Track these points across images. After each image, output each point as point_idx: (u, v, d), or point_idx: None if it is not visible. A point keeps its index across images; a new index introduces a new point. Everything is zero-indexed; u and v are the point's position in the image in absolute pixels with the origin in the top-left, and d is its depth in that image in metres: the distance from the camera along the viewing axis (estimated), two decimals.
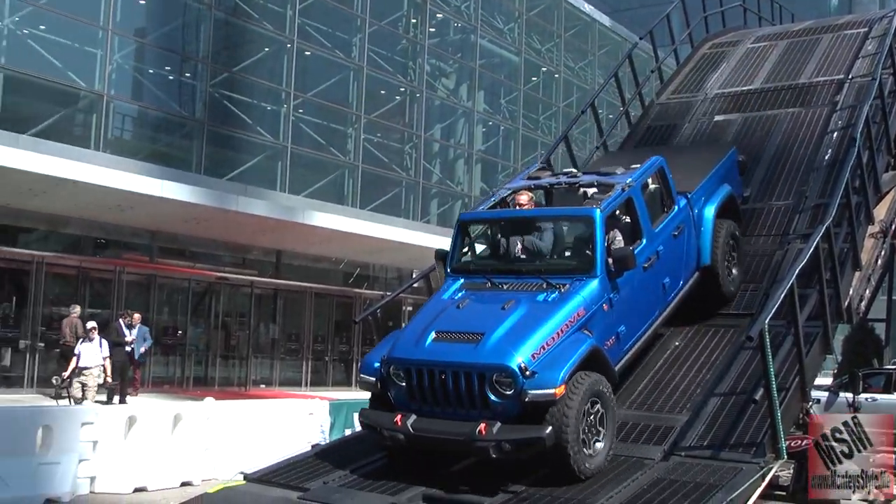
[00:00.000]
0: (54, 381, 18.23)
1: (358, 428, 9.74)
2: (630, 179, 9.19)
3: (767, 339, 7.85)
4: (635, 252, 8.59)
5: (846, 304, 10.71)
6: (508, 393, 7.44)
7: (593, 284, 8.32)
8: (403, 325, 11.26)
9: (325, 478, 8.38)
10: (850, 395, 15.78)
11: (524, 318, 7.91)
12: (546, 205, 9.97)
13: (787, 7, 23.00)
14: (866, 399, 16.14)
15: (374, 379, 8.21)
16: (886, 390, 17.58)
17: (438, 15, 34.46)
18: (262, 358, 27.90)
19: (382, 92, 32.27)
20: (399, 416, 7.79)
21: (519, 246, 9.03)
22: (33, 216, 21.88)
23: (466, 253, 9.42)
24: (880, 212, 12.64)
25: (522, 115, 37.99)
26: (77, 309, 19.66)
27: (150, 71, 26.26)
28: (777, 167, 13.12)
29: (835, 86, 14.88)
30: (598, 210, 8.55)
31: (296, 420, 13.99)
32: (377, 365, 8.18)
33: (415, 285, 12.64)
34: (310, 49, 29.16)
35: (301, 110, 28.97)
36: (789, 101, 14.91)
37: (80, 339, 16.96)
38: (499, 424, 7.38)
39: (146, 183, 20.54)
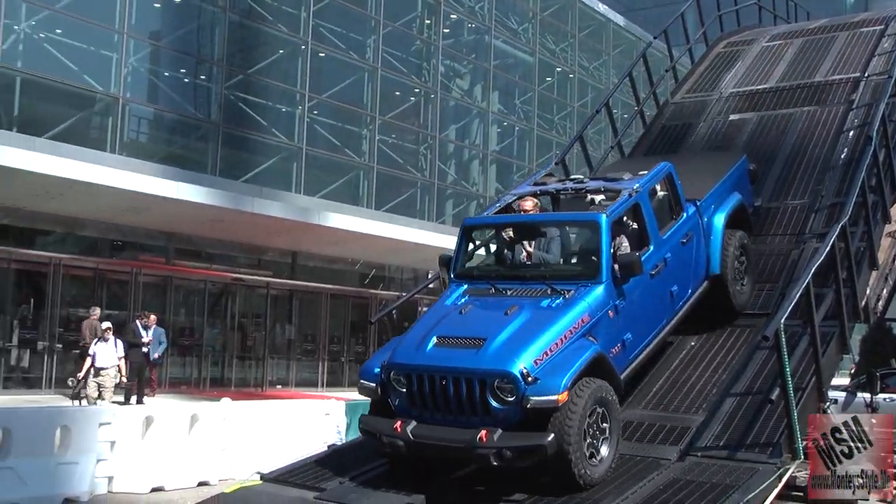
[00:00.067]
0: (70, 383, 18.36)
1: None
2: (637, 185, 9.01)
3: (783, 339, 7.80)
4: (642, 258, 8.40)
5: (863, 303, 10.62)
6: (510, 399, 7.29)
7: (598, 290, 8.15)
8: None
9: (342, 478, 8.37)
10: (867, 396, 15.68)
11: (527, 323, 7.76)
12: (552, 211, 9.87)
13: (803, 5, 22.88)
14: (884, 399, 16.03)
15: (374, 385, 8.06)
16: None
17: (452, 16, 34.48)
18: (278, 359, 28.01)
19: (397, 93, 32.32)
20: (399, 423, 7.63)
21: (524, 252, 8.91)
22: (50, 218, 22.02)
23: (470, 258, 9.27)
24: None
25: (537, 116, 37.98)
26: (97, 311, 19.75)
27: (166, 74, 26.40)
28: (792, 166, 13.05)
29: (851, 84, 14.78)
30: (603, 215, 8.41)
31: (312, 420, 14.03)
32: (377, 371, 8.03)
33: (430, 286, 12.64)
34: (324, 50, 29.25)
35: (316, 112, 29.05)
36: (805, 100, 14.82)
37: (95, 340, 17.03)
38: (500, 431, 7.22)
39: (162, 185, 20.65)
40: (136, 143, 25.23)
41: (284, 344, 28.44)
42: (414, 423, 7.60)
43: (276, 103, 28.57)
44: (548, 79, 39.02)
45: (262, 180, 26.50)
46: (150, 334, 19.96)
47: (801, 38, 17.32)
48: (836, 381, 13.55)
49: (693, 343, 10.03)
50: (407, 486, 7.91)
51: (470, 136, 36.07)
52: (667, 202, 9.57)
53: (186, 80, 26.76)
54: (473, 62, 35.93)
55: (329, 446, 11.24)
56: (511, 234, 9.08)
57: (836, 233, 9.32)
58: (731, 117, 15.01)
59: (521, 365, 7.30)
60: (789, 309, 8.08)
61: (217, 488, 10.86)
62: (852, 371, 23.51)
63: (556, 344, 7.59)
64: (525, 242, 8.96)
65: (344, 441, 13.22)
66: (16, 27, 21.85)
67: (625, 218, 8.85)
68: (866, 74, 14.87)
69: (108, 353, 16.72)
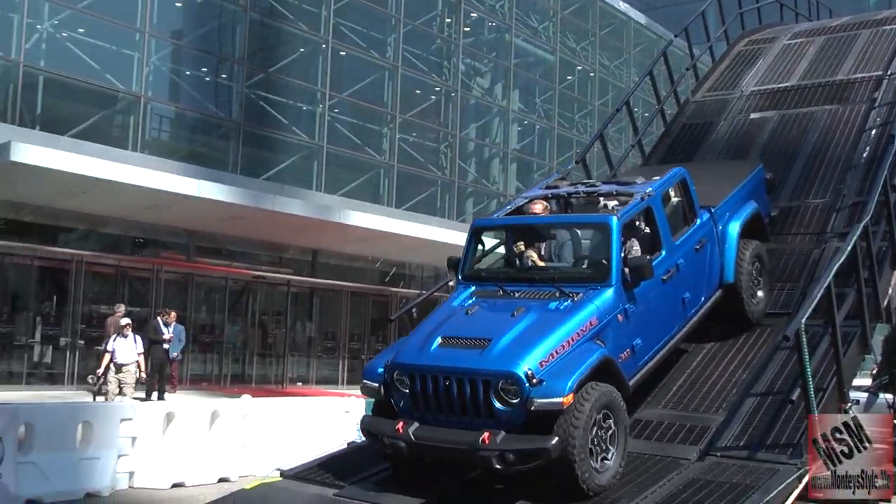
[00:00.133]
0: (90, 381, 18.47)
1: None
2: (650, 189, 8.86)
3: (804, 339, 7.75)
4: (653, 263, 8.26)
5: (885, 303, 10.56)
6: (514, 401, 7.14)
7: (608, 293, 7.98)
8: None
9: (362, 475, 8.39)
10: (889, 396, 15.58)
11: (534, 325, 7.62)
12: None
13: (825, 3, 22.70)
14: None
15: (377, 385, 7.92)
16: None
17: (473, 14, 34.48)
18: (298, 356, 28.10)
19: (417, 91, 32.37)
20: (401, 424, 7.50)
21: (534, 255, 8.78)
22: (73, 216, 22.16)
23: (479, 261, 9.16)
24: None
25: (558, 114, 37.92)
26: (121, 308, 19.72)
27: (187, 72, 26.55)
28: (814, 165, 12.98)
29: (873, 82, 14.67)
30: (614, 217, 8.27)
31: (332, 418, 14.03)
32: (381, 371, 7.89)
33: (450, 283, 12.63)
34: (345, 49, 29.32)
35: (336, 110, 29.14)
36: (826, 98, 14.72)
37: (114, 336, 17.09)
38: (503, 434, 7.07)
39: (183, 183, 20.75)
40: (157, 142, 25.39)
41: (305, 341, 28.53)
42: (416, 424, 7.47)
43: (297, 102, 28.67)
44: (568, 77, 38.95)
45: (283, 178, 26.63)
46: (170, 331, 20.06)
47: (823, 36, 17.21)
48: (857, 382, 13.46)
49: (713, 342, 9.98)
50: (425, 486, 7.92)
51: (490, 134, 36.06)
52: (681, 208, 9.43)
53: (208, 78, 26.92)
54: (494, 60, 35.91)
55: (349, 444, 11.30)
56: (521, 247, 8.87)
57: (858, 232, 9.24)
58: (752, 116, 14.94)
59: (526, 366, 7.17)
60: (810, 309, 8.03)
61: (237, 485, 10.92)
62: (874, 372, 23.28)
63: (563, 346, 7.45)
64: (534, 253, 8.78)
65: (364, 438, 13.23)
66: (38, 26, 22.04)
67: (636, 221, 8.72)
68: (889, 73, 14.75)
69: (127, 350, 16.78)
